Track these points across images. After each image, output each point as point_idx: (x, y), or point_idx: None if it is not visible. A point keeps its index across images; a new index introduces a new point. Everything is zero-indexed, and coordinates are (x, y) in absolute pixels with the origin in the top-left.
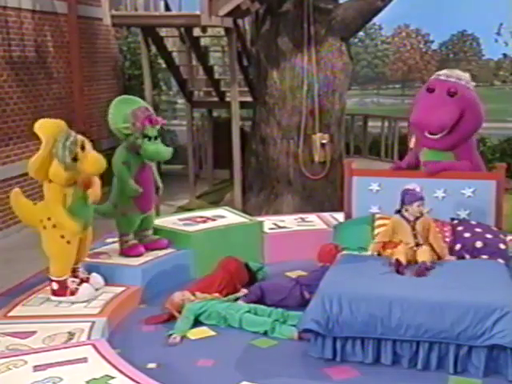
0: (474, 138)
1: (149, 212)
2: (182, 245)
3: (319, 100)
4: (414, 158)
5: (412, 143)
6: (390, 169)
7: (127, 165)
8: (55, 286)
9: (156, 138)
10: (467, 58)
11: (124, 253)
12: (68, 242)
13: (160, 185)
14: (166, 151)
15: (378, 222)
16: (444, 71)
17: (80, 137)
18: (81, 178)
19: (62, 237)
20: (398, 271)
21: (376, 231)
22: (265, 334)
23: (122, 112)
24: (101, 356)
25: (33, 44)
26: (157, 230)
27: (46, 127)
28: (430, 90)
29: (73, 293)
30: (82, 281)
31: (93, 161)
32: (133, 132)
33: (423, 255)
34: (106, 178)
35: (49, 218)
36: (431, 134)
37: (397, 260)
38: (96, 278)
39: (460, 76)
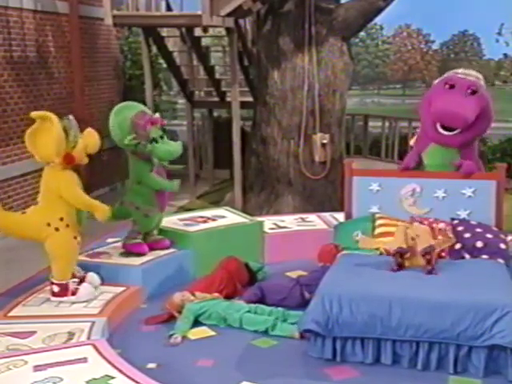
0: (477, 141)
1: (163, 211)
2: (183, 245)
3: (320, 100)
4: (416, 156)
5: (413, 141)
6: (398, 170)
7: (151, 170)
8: (56, 288)
9: (162, 137)
10: (468, 58)
11: (127, 248)
12: (78, 243)
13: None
14: (177, 147)
15: (378, 222)
16: (462, 69)
17: None
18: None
19: (75, 238)
20: (399, 265)
21: (377, 231)
22: (265, 332)
23: (121, 124)
24: (101, 356)
25: (34, 44)
26: (158, 230)
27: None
28: (451, 86)
29: (73, 293)
30: (81, 280)
31: (92, 134)
32: (139, 141)
33: (424, 238)
34: (98, 180)
35: (61, 219)
36: (446, 129)
37: (399, 252)
38: (93, 276)
39: (478, 76)
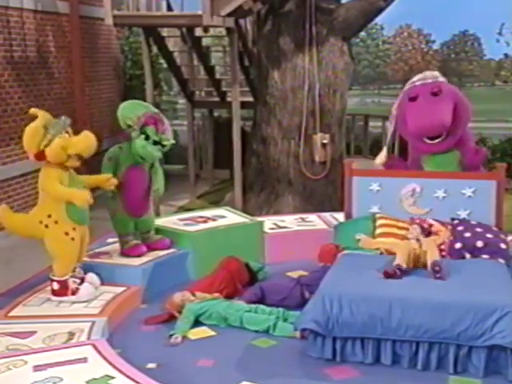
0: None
1: (142, 216)
2: (183, 245)
3: (320, 100)
4: (416, 167)
5: (379, 160)
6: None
7: (113, 161)
8: (56, 285)
9: (156, 143)
10: (468, 58)
11: (125, 253)
12: (72, 239)
13: (159, 187)
14: (154, 153)
15: (378, 222)
16: (417, 77)
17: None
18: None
19: (67, 234)
20: (390, 276)
21: (377, 231)
22: (266, 331)
23: (135, 111)
24: (101, 356)
25: (34, 44)
26: (157, 230)
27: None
28: (413, 99)
29: (74, 292)
30: (81, 281)
31: (85, 137)
32: (133, 125)
33: (432, 250)
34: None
35: (49, 215)
36: (431, 138)
37: (399, 268)
38: (92, 277)
39: (435, 75)
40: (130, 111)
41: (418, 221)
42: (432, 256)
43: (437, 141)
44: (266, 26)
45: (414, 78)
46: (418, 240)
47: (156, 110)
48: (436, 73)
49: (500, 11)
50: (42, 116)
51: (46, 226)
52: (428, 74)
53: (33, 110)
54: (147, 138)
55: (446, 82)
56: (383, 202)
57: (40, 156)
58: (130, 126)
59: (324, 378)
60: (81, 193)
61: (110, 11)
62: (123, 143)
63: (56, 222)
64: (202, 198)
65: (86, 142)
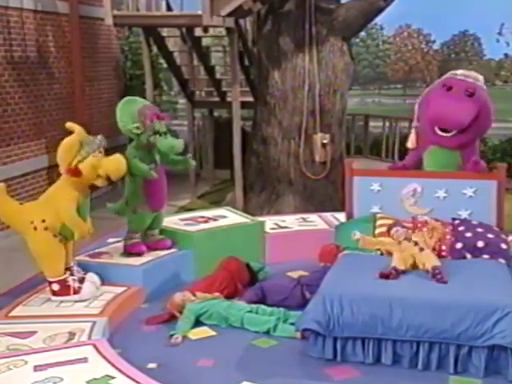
0: (478, 141)
1: (161, 209)
2: (184, 245)
3: (320, 100)
4: (416, 157)
5: (411, 144)
6: (388, 169)
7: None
8: (56, 286)
9: (165, 133)
10: (468, 57)
11: (126, 249)
12: (60, 241)
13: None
14: (179, 143)
15: (379, 222)
16: (461, 71)
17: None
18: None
19: (55, 236)
20: (386, 276)
21: (377, 231)
22: (267, 332)
23: (128, 113)
24: (101, 356)
25: (34, 44)
26: (159, 230)
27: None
28: (447, 88)
29: (76, 292)
30: (80, 281)
31: (115, 159)
32: (143, 131)
33: (430, 260)
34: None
35: (43, 221)
36: (444, 131)
37: (395, 269)
38: (92, 277)
39: (477, 77)
40: (130, 121)
41: (420, 219)
42: (431, 263)
43: (447, 134)
44: (266, 26)
45: (458, 71)
46: (415, 243)
47: (145, 102)
48: (480, 76)
49: (500, 11)
50: (79, 131)
51: (35, 229)
52: (473, 73)
53: (69, 125)
54: (160, 134)
55: (485, 88)
56: (384, 202)
57: (73, 171)
58: (138, 135)
59: (325, 378)
60: (84, 226)
61: (110, 11)
62: (133, 144)
63: (46, 229)
64: (203, 198)
65: (116, 164)
